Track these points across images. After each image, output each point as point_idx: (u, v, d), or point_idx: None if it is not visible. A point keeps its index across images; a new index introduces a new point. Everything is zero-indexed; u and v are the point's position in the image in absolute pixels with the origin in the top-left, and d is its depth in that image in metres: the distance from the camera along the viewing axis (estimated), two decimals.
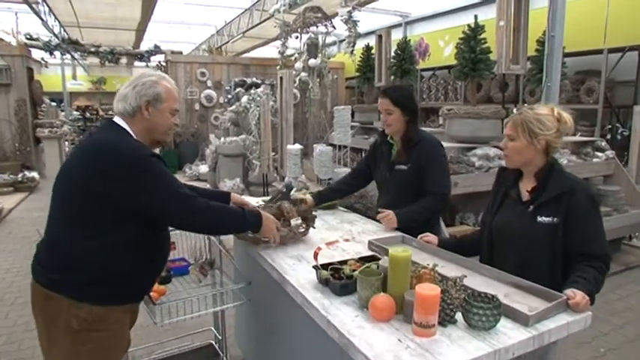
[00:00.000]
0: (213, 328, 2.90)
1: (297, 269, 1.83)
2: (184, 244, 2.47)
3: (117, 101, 1.75)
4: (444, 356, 1.21)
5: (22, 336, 3.37)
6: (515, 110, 1.97)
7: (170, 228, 1.93)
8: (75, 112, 16.01)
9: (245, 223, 1.89)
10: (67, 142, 11.44)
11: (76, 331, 1.60)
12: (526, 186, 1.90)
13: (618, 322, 3.65)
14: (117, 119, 1.75)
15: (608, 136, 6.35)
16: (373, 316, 1.41)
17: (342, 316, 1.44)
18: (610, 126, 6.62)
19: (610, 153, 5.16)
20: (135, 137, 1.72)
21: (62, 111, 13.18)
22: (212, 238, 2.53)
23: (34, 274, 1.70)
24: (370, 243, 2.09)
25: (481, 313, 1.31)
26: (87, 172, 1.60)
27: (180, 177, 10.23)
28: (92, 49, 10.57)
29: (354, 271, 1.64)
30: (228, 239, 3.00)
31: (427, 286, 1.33)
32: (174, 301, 1.90)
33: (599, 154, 5.14)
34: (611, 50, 6.51)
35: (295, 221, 2.19)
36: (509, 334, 1.33)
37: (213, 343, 2.89)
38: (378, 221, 2.51)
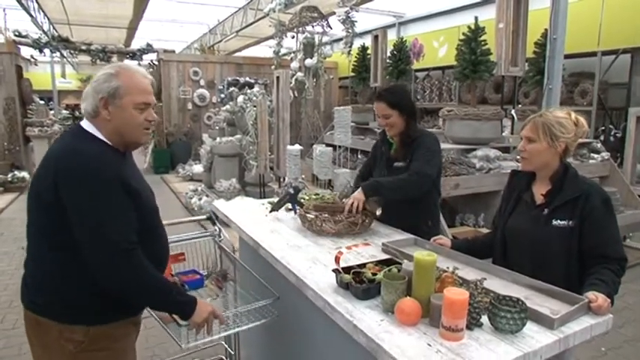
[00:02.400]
0: (224, 342, 2.77)
1: (314, 272, 1.83)
2: (193, 254, 2.37)
3: (81, 102, 1.55)
4: None
5: (22, 339, 3.30)
6: (513, 112, 2.00)
7: (176, 236, 1.87)
8: (64, 111, 15.79)
9: (172, 304, 1.54)
10: None
11: (76, 354, 1.47)
12: (540, 189, 1.90)
13: (617, 321, 3.70)
14: (84, 122, 1.54)
15: (602, 138, 6.45)
16: (399, 320, 1.41)
17: (368, 320, 1.43)
18: (603, 128, 6.72)
19: (605, 154, 5.24)
20: (106, 141, 1.51)
21: (51, 110, 12.97)
22: (223, 246, 2.42)
23: (23, 299, 1.55)
24: (384, 245, 2.09)
25: (509, 316, 1.32)
26: (41, 182, 1.45)
27: (173, 177, 10.19)
28: (83, 47, 10.42)
29: (374, 274, 1.64)
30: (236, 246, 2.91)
31: (455, 290, 1.33)
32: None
33: (595, 155, 5.21)
34: (605, 53, 6.61)
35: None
36: (535, 337, 1.34)
37: (224, 358, 2.80)
38: (379, 220, 2.50)
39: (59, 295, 1.47)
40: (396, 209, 2.45)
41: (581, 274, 1.75)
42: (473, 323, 1.37)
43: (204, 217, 2.74)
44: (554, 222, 1.81)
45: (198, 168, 8.61)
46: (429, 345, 1.29)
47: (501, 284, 1.69)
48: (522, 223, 1.92)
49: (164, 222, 1.76)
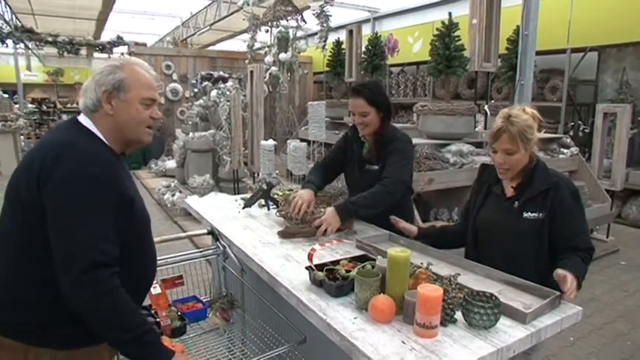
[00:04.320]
0: None
1: (287, 269, 1.79)
2: (192, 276, 2.11)
3: (80, 96, 1.43)
4: (450, 357, 1.20)
5: None
6: (486, 107, 2.00)
7: (172, 255, 1.65)
8: (30, 105, 15.24)
9: (138, 346, 1.29)
10: (22, 137, 10.87)
11: None
12: (510, 182, 1.92)
13: (585, 311, 3.75)
14: (81, 117, 1.42)
15: (571, 133, 6.61)
16: (373, 317, 1.39)
17: (341, 318, 1.41)
18: (572, 123, 6.88)
19: (574, 149, 5.36)
20: (103, 140, 1.39)
21: (16, 103, 12.50)
22: (227, 266, 2.14)
23: None
24: (358, 242, 2.07)
25: (482, 312, 1.31)
26: (21, 178, 1.31)
27: (145, 173, 9.96)
28: (49, 39, 10.04)
29: (347, 271, 1.61)
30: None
31: (429, 286, 1.31)
32: None
33: (565, 150, 5.33)
34: (574, 50, 6.76)
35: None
36: (508, 332, 1.34)
37: None
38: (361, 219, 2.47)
39: (28, 312, 1.31)
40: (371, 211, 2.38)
41: (552, 265, 1.77)
42: (447, 320, 1.36)
43: (203, 231, 2.40)
44: (525, 214, 1.83)
45: (171, 164, 8.45)
46: (403, 342, 1.27)
47: (475, 279, 1.69)
48: (493, 216, 1.93)
49: (156, 239, 1.60)
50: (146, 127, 1.46)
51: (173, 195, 6.45)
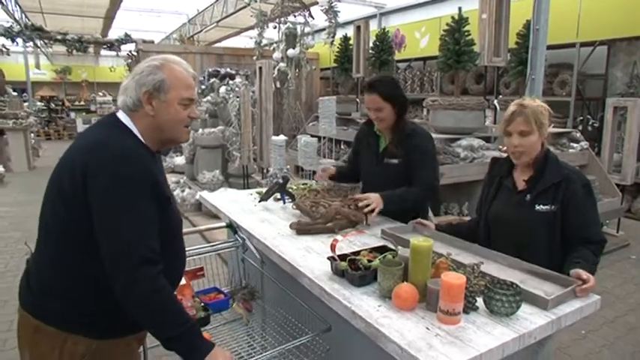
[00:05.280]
0: None
1: (308, 260, 1.83)
2: (213, 268, 2.13)
3: (119, 94, 1.45)
4: (474, 342, 1.24)
5: (6, 335, 3.23)
6: (496, 102, 2.03)
7: (195, 247, 1.67)
8: (39, 103, 15.37)
9: (182, 339, 1.32)
10: (32, 134, 10.97)
11: None
12: (521, 175, 1.94)
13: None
14: (120, 114, 1.43)
15: (580, 128, 6.60)
16: (397, 305, 1.42)
17: (366, 306, 1.44)
18: (581, 118, 6.87)
19: (584, 144, 5.36)
20: (140, 138, 1.41)
21: (25, 101, 12.61)
22: (247, 258, 2.15)
23: (21, 300, 1.43)
24: (383, 232, 2.10)
25: (504, 299, 1.34)
26: (64, 175, 1.34)
27: None
28: (58, 37, 10.11)
29: (369, 261, 1.65)
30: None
31: (453, 274, 1.35)
32: None
33: (574, 144, 5.34)
34: (583, 44, 6.74)
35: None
36: (529, 319, 1.37)
37: None
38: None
39: (72, 302, 1.35)
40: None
41: (564, 258, 1.80)
42: (469, 307, 1.40)
43: (222, 224, 2.45)
44: (537, 207, 1.85)
45: (179, 160, 8.50)
46: (428, 329, 1.31)
47: (498, 268, 1.72)
48: (505, 210, 1.96)
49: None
50: (184, 127, 1.48)
51: (183, 191, 6.50)
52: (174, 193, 6.66)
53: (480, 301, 1.43)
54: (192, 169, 7.20)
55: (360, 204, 2.25)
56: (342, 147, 7.49)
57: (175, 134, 1.47)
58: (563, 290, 1.48)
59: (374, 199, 2.25)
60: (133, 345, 1.52)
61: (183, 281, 1.89)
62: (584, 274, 1.54)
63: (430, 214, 3.83)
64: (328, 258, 1.70)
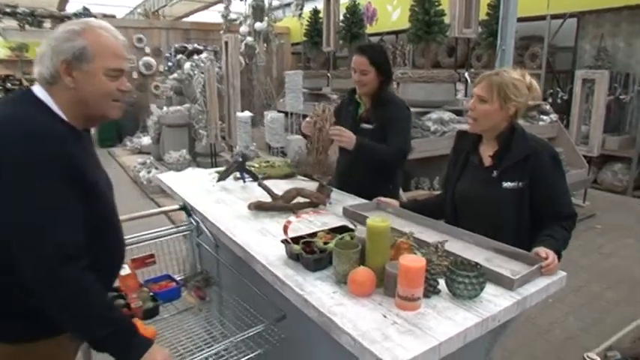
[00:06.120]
0: None
1: (262, 244, 1.69)
2: (165, 255, 1.98)
3: (35, 63, 1.26)
4: (433, 330, 1.14)
5: None
6: (466, 75, 1.92)
7: (143, 233, 1.53)
8: None
9: (120, 339, 1.19)
10: None
11: None
12: (487, 150, 1.84)
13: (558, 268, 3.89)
14: (36, 88, 1.25)
15: (550, 100, 6.60)
16: (353, 291, 1.31)
17: (319, 293, 1.33)
18: (551, 91, 6.87)
19: (554, 116, 5.35)
20: (60, 114, 1.23)
21: None
22: (202, 242, 2.04)
23: None
24: (345, 210, 1.99)
25: (467, 282, 1.24)
26: None
27: (120, 150, 9.67)
28: (7, 10, 9.43)
29: (326, 243, 1.53)
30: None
31: (411, 257, 1.24)
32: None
33: (544, 117, 5.32)
34: (554, 16, 6.68)
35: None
36: (494, 301, 1.28)
37: None
38: (339, 188, 2.41)
39: None
40: (362, 171, 2.39)
41: (533, 235, 1.72)
42: (430, 291, 1.30)
43: (175, 207, 2.29)
44: (505, 184, 1.76)
45: (147, 140, 8.19)
46: (385, 316, 1.20)
47: (463, 246, 1.63)
48: (472, 187, 1.87)
49: (123, 217, 1.47)
50: (113, 101, 1.29)
51: (149, 172, 6.26)
52: (140, 174, 6.41)
53: (442, 284, 1.33)
54: (159, 149, 6.93)
55: (331, 132, 2.18)
56: None
57: (103, 109, 1.28)
58: (529, 269, 1.39)
59: (347, 136, 2.22)
60: (65, 344, 1.34)
61: (127, 270, 1.74)
62: (543, 252, 1.46)
63: (401, 191, 3.75)
64: (282, 241, 1.57)
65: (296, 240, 1.57)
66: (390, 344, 1.08)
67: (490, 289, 1.32)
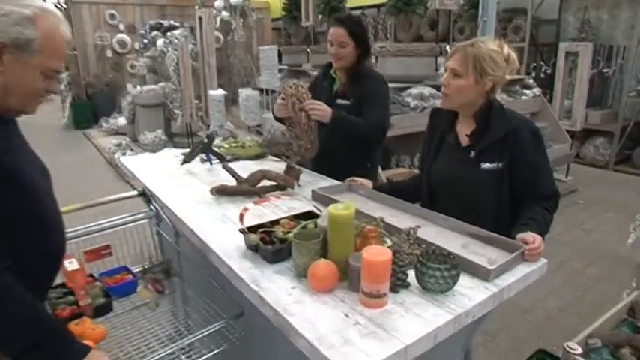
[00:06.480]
0: None
1: (221, 233, 1.55)
2: (123, 245, 1.87)
3: None
4: (400, 331, 1.02)
5: None
6: (448, 48, 1.77)
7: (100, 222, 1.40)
8: None
9: (50, 347, 1.06)
10: None
11: None
12: (464, 129, 1.71)
13: (544, 251, 3.83)
14: None
15: (533, 74, 6.48)
16: (313, 286, 1.18)
17: (277, 288, 1.20)
18: (535, 64, 6.74)
19: (537, 90, 5.24)
20: None
21: None
22: (162, 231, 1.92)
23: None
24: (314, 193, 1.85)
25: (438, 275, 1.12)
26: None
27: (96, 132, 9.34)
28: None
29: (287, 232, 1.40)
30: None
31: (376, 249, 1.11)
32: None
33: (527, 91, 5.20)
34: None
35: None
36: (468, 294, 1.16)
37: None
38: (314, 168, 2.27)
39: None
40: (338, 148, 2.23)
41: (513, 218, 1.61)
42: (398, 284, 1.17)
43: (134, 193, 2.13)
44: (483, 165, 1.63)
45: (123, 121, 7.90)
46: (347, 316, 1.08)
47: (438, 232, 1.52)
48: (448, 168, 1.74)
49: (77, 205, 1.38)
50: (39, 98, 1.17)
51: (124, 154, 6.04)
52: (115, 156, 6.18)
53: (412, 275, 1.21)
54: (134, 130, 6.67)
55: (307, 106, 2.04)
56: None
57: (24, 104, 1.15)
58: (507, 257, 1.27)
59: (323, 108, 2.07)
60: None
61: (75, 265, 1.59)
62: (530, 237, 1.35)
63: (380, 171, 3.62)
64: (240, 230, 1.43)
65: (256, 229, 1.44)
66: (349, 349, 0.96)
67: (465, 281, 1.21)
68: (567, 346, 1.32)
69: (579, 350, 1.31)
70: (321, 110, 2.06)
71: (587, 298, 3.20)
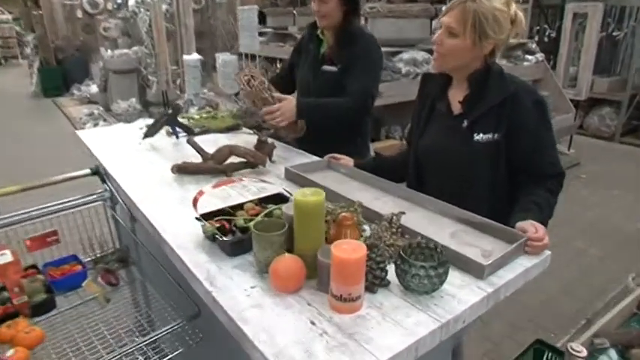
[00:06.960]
0: None
1: (179, 219, 1.35)
2: (73, 231, 1.64)
3: None
4: (374, 344, 0.84)
5: None
6: (444, 9, 1.53)
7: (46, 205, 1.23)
8: None
9: None
10: None
11: None
12: (457, 95, 1.48)
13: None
14: None
15: (536, 39, 6.16)
16: (275, 286, 1.00)
17: (234, 288, 1.01)
18: (538, 27, 6.42)
19: (540, 56, 4.98)
20: None
21: None
22: (117, 215, 1.73)
23: None
24: (287, 171, 1.66)
25: (422, 274, 0.94)
26: None
27: (67, 100, 8.87)
28: None
29: (251, 219, 1.20)
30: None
31: (348, 244, 0.92)
32: None
33: (529, 57, 4.95)
34: None
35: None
36: (457, 295, 0.98)
37: None
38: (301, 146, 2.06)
39: None
40: (321, 129, 2.01)
41: (510, 199, 1.42)
42: (376, 283, 0.99)
43: (86, 171, 1.87)
44: (477, 137, 1.42)
45: (95, 88, 7.51)
46: (313, 323, 0.90)
47: (425, 216, 1.34)
48: (437, 140, 1.53)
49: (14, 187, 1.23)
50: None
51: (96, 124, 5.73)
52: (87, 127, 5.87)
53: (393, 270, 1.02)
54: (106, 97, 6.33)
55: (265, 117, 1.86)
56: (277, 66, 6.80)
57: None
58: (504, 249, 1.09)
59: (284, 111, 1.85)
60: None
61: (8, 257, 1.39)
62: (531, 226, 1.17)
63: (369, 145, 3.42)
64: (196, 218, 1.23)
65: (214, 215, 1.24)
66: None
67: (454, 278, 1.03)
68: (571, 347, 1.17)
69: (584, 352, 1.16)
70: (282, 115, 1.85)
71: (589, 280, 3.01)
